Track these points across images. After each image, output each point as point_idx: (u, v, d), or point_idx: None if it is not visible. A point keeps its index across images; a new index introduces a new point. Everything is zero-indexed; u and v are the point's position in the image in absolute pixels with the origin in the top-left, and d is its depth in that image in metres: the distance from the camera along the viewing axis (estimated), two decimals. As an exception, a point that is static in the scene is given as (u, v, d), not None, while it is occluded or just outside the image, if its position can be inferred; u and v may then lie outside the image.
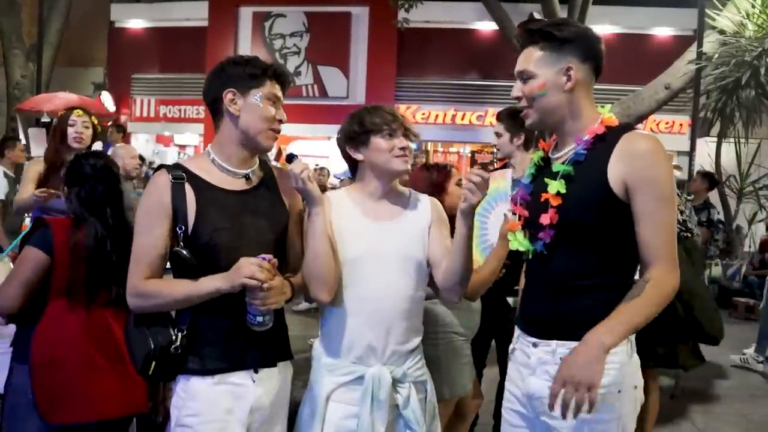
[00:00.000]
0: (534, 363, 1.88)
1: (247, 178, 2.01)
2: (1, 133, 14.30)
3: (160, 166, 2.00)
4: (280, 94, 2.00)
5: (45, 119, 8.82)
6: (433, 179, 2.80)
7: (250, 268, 1.81)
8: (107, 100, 13.95)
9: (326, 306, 2.06)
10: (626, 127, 1.85)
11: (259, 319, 1.87)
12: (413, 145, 2.12)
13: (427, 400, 2.15)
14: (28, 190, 3.56)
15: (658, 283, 1.71)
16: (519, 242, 1.96)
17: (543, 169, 1.96)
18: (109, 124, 9.80)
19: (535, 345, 1.89)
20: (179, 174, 1.95)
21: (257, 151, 2.02)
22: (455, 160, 15.40)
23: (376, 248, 2.05)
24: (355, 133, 2.09)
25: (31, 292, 2.42)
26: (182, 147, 15.44)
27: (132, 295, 1.92)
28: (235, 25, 14.43)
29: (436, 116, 13.80)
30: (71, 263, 2.43)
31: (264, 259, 1.84)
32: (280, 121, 1.99)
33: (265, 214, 2.00)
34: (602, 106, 1.90)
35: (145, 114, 15.22)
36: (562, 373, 1.64)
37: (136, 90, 15.24)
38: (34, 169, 3.67)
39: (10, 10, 12.73)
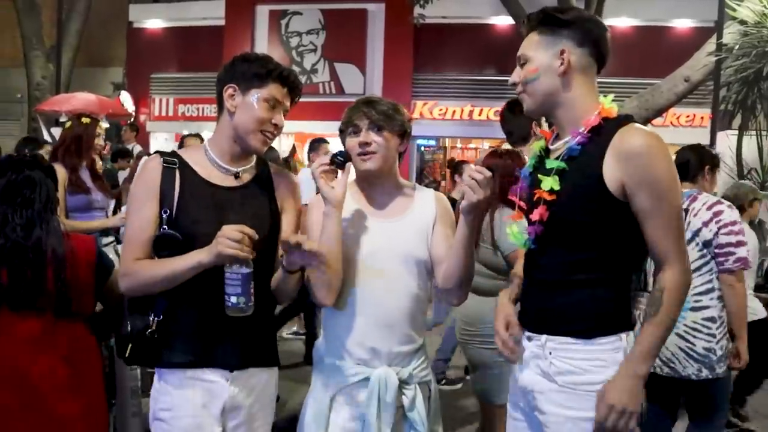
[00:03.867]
0: (527, 356, 1.86)
1: (236, 176, 1.99)
2: (22, 132, 14.54)
3: (156, 152, 2.01)
4: (282, 98, 1.96)
5: (63, 119, 8.91)
6: (508, 166, 2.75)
7: (231, 243, 1.76)
8: (126, 99, 14.07)
9: (328, 306, 2.02)
10: (623, 120, 1.77)
11: (233, 299, 1.79)
12: (378, 138, 1.98)
13: (431, 399, 2.11)
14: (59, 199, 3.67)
15: (673, 288, 1.71)
16: (513, 235, 1.93)
17: (543, 160, 1.91)
18: (129, 122, 9.90)
19: (528, 339, 1.87)
20: (171, 160, 1.95)
21: (248, 151, 1.99)
22: (473, 155, 15.34)
23: (379, 247, 2.00)
24: (340, 131, 2.07)
25: None
26: (201, 145, 15.49)
27: (122, 275, 1.92)
28: (252, 23, 14.48)
29: (454, 112, 13.74)
30: None
31: None
32: (276, 126, 1.95)
33: (252, 213, 1.96)
34: (604, 96, 1.83)
35: (163, 113, 15.32)
36: (604, 403, 1.69)
37: (154, 89, 15.35)
38: (61, 177, 3.72)
39: (30, 12, 12.88)
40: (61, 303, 2.16)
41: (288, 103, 2.00)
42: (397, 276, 2.00)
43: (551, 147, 1.89)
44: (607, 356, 1.75)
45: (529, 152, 2.03)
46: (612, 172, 1.70)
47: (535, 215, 1.80)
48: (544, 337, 1.81)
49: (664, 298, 1.71)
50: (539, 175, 1.82)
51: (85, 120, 4.00)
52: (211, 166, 1.98)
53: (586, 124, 1.77)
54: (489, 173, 1.79)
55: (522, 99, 1.87)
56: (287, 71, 1.97)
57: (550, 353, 1.79)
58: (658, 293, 1.72)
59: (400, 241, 2.02)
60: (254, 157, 2.05)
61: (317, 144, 6.05)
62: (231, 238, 1.76)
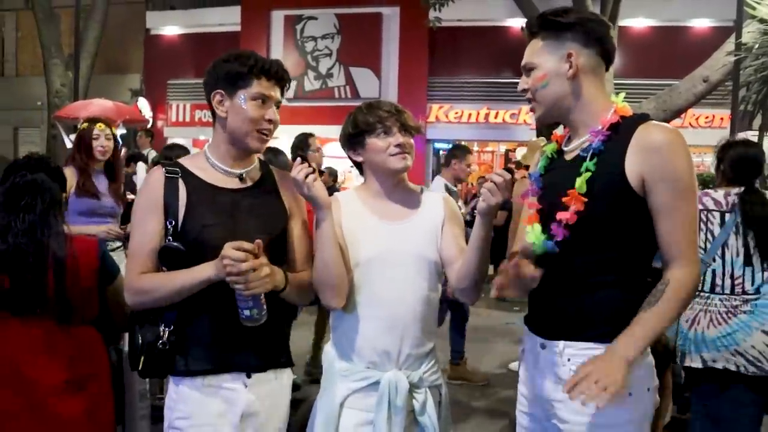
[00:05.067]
0: (542, 364, 1.82)
1: (240, 178, 1.98)
2: (42, 140, 14.71)
3: (157, 163, 2.02)
4: (270, 92, 1.92)
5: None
6: None
7: (229, 260, 1.75)
8: (144, 106, 14.21)
9: (338, 310, 2.02)
10: (641, 117, 1.76)
11: (246, 312, 1.80)
12: (411, 140, 2.05)
13: (442, 404, 2.09)
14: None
15: (679, 284, 1.66)
16: (536, 236, 1.84)
17: (555, 162, 1.89)
18: (144, 128, 9.99)
19: (542, 346, 1.82)
20: (174, 170, 1.95)
21: (248, 151, 1.99)
22: (489, 159, 15.30)
23: (388, 249, 2.00)
24: (351, 134, 2.06)
25: None
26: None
27: (128, 291, 1.92)
28: (268, 28, 14.54)
29: (469, 115, 13.71)
30: None
31: None
32: (270, 121, 1.93)
33: (259, 214, 1.96)
34: (616, 94, 1.81)
35: (181, 119, 15.45)
36: (580, 374, 1.61)
37: (171, 95, 15.48)
38: (69, 180, 3.73)
39: (49, 21, 13.06)
40: (63, 307, 2.15)
41: (278, 95, 1.96)
42: (407, 278, 2.00)
43: (566, 149, 1.87)
44: None
45: (533, 154, 2.01)
46: (633, 167, 1.68)
47: (562, 216, 1.74)
48: (561, 343, 1.77)
49: (666, 291, 1.66)
50: (566, 172, 1.79)
51: (83, 125, 3.98)
52: (215, 171, 1.98)
53: (604, 122, 1.75)
54: (509, 176, 1.78)
55: (532, 106, 1.85)
56: (268, 63, 1.93)
57: (569, 360, 1.74)
58: (662, 286, 1.68)
59: (410, 243, 2.01)
60: (256, 159, 2.05)
61: (459, 152, 5.41)
62: (235, 259, 1.74)
